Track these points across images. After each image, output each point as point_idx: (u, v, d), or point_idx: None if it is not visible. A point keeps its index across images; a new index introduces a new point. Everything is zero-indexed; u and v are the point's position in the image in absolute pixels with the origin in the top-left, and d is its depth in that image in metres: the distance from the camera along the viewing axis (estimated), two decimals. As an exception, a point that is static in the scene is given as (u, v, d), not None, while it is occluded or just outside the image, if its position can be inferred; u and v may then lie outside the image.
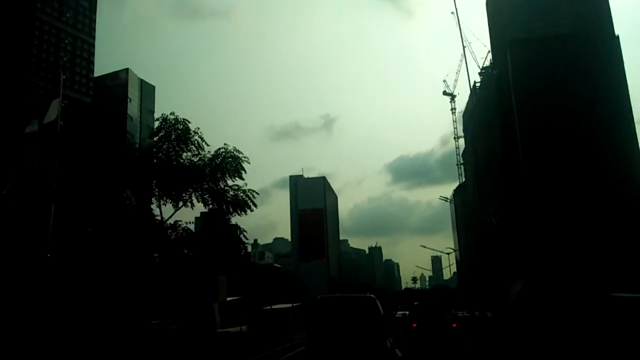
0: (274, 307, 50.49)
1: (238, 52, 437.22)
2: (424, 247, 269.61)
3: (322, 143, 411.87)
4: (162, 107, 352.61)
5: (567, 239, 67.30)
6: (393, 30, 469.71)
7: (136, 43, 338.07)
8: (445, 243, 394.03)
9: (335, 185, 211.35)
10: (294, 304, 54.59)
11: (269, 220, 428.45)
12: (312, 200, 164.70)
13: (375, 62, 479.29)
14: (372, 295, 13.68)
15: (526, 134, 79.15)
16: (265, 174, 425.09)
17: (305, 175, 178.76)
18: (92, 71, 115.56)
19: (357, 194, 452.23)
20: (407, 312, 31.01)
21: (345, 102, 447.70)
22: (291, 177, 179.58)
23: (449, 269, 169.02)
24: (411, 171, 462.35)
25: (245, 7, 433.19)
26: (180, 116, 25.36)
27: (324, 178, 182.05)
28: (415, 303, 25.84)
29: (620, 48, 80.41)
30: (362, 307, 12.94)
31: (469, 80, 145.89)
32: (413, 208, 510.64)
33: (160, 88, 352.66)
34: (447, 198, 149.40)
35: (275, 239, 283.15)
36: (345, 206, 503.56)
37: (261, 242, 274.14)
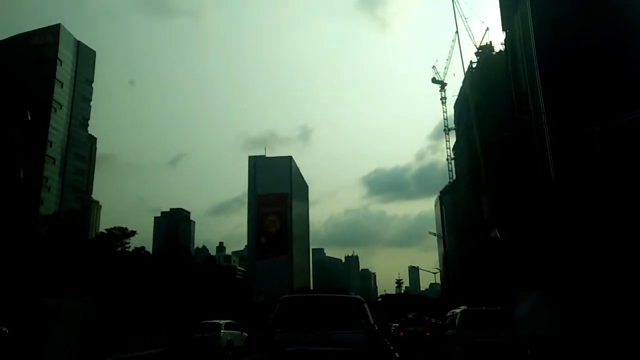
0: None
1: (209, 54, 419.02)
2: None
3: (299, 153, 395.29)
4: (126, 103, 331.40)
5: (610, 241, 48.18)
6: (371, 41, 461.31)
7: (98, 40, 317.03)
8: (421, 255, 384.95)
9: (310, 196, 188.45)
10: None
11: (243, 230, 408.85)
12: (275, 183, 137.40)
13: (354, 72, 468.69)
14: (358, 296, 10.12)
15: (552, 102, 60.05)
16: (239, 183, 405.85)
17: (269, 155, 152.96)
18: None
19: (333, 205, 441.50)
20: (397, 325, 39.71)
21: (324, 112, 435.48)
22: (250, 157, 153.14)
23: (427, 280, 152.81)
24: (387, 185, 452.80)
25: (216, 6, 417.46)
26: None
27: (290, 158, 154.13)
28: (402, 319, 39.22)
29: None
30: (344, 313, 9.00)
31: (463, 67, 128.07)
32: (389, 221, 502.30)
33: (124, 89, 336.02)
34: (435, 233, 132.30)
35: (247, 246, 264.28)
36: (321, 217, 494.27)
37: (234, 249, 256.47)
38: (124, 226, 46.75)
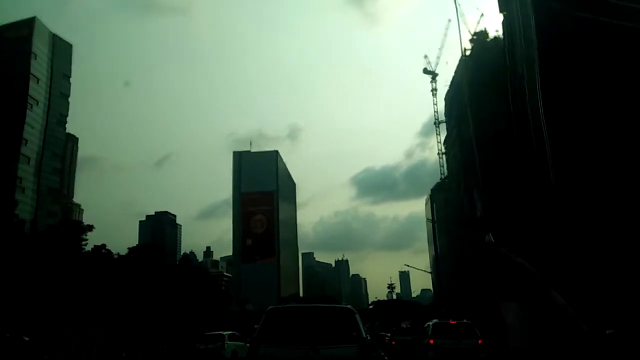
0: None
1: (196, 53, 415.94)
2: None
3: (287, 153, 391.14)
4: (114, 107, 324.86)
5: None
6: (361, 37, 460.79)
7: (83, 39, 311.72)
8: (412, 259, 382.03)
9: (299, 199, 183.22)
10: None
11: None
12: (261, 181, 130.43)
13: (343, 70, 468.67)
14: (348, 306, 9.91)
15: (552, 93, 56.56)
16: (227, 185, 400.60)
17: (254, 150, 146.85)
18: None
19: (322, 207, 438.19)
20: (390, 334, 40.84)
21: (313, 110, 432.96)
22: (235, 152, 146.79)
23: (418, 285, 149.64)
24: (377, 184, 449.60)
25: (204, 4, 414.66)
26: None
27: (276, 152, 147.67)
28: (394, 328, 41.77)
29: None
30: (334, 325, 8.80)
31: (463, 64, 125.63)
32: (379, 223, 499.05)
33: (110, 88, 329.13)
34: (429, 218, 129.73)
35: (233, 249, 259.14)
36: (310, 220, 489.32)
37: (223, 254, 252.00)
38: (88, 224, 42.65)
